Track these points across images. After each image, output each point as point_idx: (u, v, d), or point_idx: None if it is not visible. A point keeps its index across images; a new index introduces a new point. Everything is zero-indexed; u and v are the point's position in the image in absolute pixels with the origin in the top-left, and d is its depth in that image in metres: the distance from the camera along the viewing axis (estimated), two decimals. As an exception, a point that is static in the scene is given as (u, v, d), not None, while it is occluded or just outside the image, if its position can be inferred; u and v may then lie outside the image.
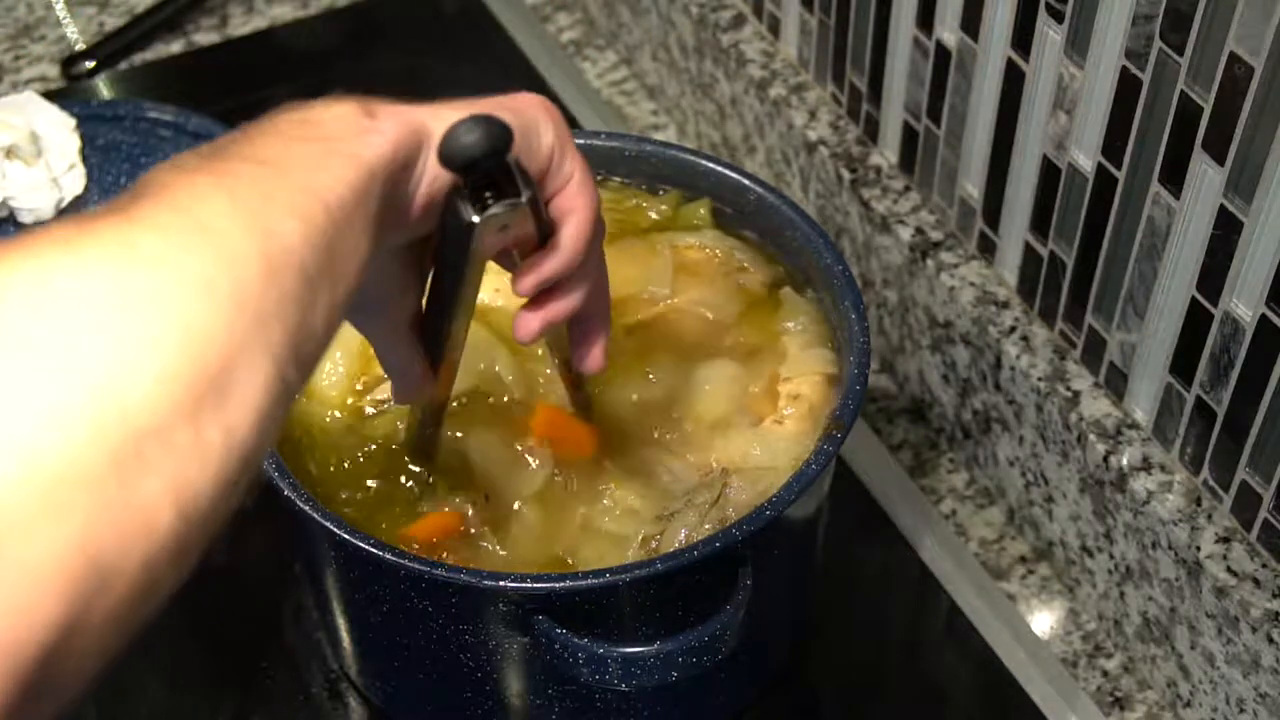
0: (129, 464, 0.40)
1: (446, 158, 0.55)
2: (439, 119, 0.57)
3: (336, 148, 0.52)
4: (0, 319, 0.40)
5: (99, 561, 0.39)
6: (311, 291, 0.47)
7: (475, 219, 0.57)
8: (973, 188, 0.93)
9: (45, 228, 0.44)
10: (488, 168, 0.56)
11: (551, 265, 0.62)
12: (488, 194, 0.57)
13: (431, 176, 0.57)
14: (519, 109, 0.60)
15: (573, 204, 0.62)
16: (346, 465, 0.79)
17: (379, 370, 0.75)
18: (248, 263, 0.45)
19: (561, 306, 0.64)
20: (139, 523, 0.40)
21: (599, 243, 0.64)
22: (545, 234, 0.61)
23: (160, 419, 0.41)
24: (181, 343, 0.42)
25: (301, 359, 0.47)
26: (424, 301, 0.66)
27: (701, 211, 0.88)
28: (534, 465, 0.78)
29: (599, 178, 0.89)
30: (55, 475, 0.39)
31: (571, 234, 0.62)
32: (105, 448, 0.40)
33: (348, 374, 0.81)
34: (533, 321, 0.64)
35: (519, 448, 0.78)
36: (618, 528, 0.76)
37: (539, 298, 0.64)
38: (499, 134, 0.55)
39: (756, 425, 0.80)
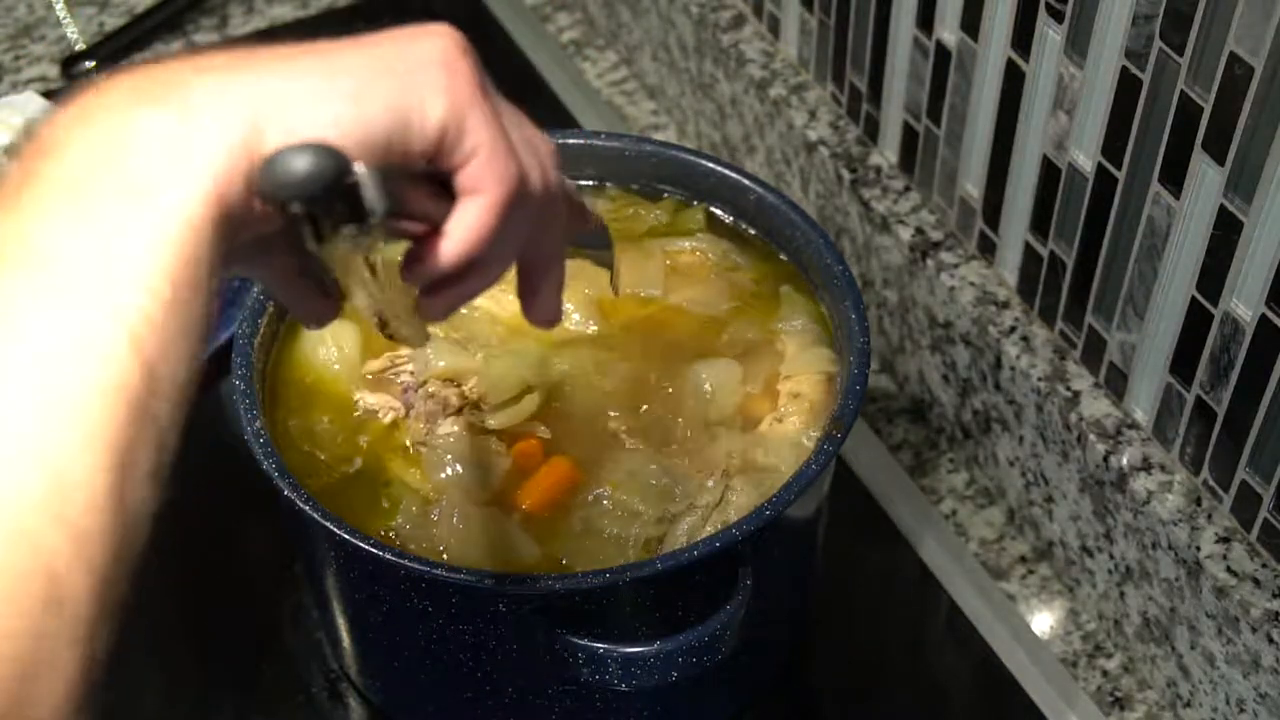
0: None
1: (265, 195, 0.45)
2: (280, 107, 0.45)
3: (144, 218, 0.41)
4: None
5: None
6: (152, 404, 0.41)
7: (314, 248, 0.47)
8: (973, 188, 0.93)
9: None
10: (322, 201, 0.45)
11: (440, 259, 0.51)
12: (336, 209, 0.46)
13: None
14: (404, 73, 0.48)
15: (475, 184, 0.50)
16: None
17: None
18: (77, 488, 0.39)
19: (467, 290, 0.54)
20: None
21: (522, 214, 0.52)
22: (440, 218, 0.51)
23: None
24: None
25: (166, 444, 0.42)
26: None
27: (698, 217, 0.88)
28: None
29: (594, 184, 0.89)
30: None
31: (466, 222, 0.50)
32: None
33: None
34: (433, 307, 0.55)
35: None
36: (619, 530, 0.76)
37: (441, 280, 0.53)
38: (328, 169, 0.44)
39: (756, 425, 0.80)
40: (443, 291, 0.53)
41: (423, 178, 0.50)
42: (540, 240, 0.56)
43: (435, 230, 0.51)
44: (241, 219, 0.44)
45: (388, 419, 0.80)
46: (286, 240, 0.49)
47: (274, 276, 0.56)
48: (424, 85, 0.48)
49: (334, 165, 0.45)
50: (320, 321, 0.59)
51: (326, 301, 0.57)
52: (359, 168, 0.46)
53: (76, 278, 0.40)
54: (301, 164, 0.44)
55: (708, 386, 0.81)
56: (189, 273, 0.42)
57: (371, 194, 0.46)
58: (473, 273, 0.52)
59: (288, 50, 0.47)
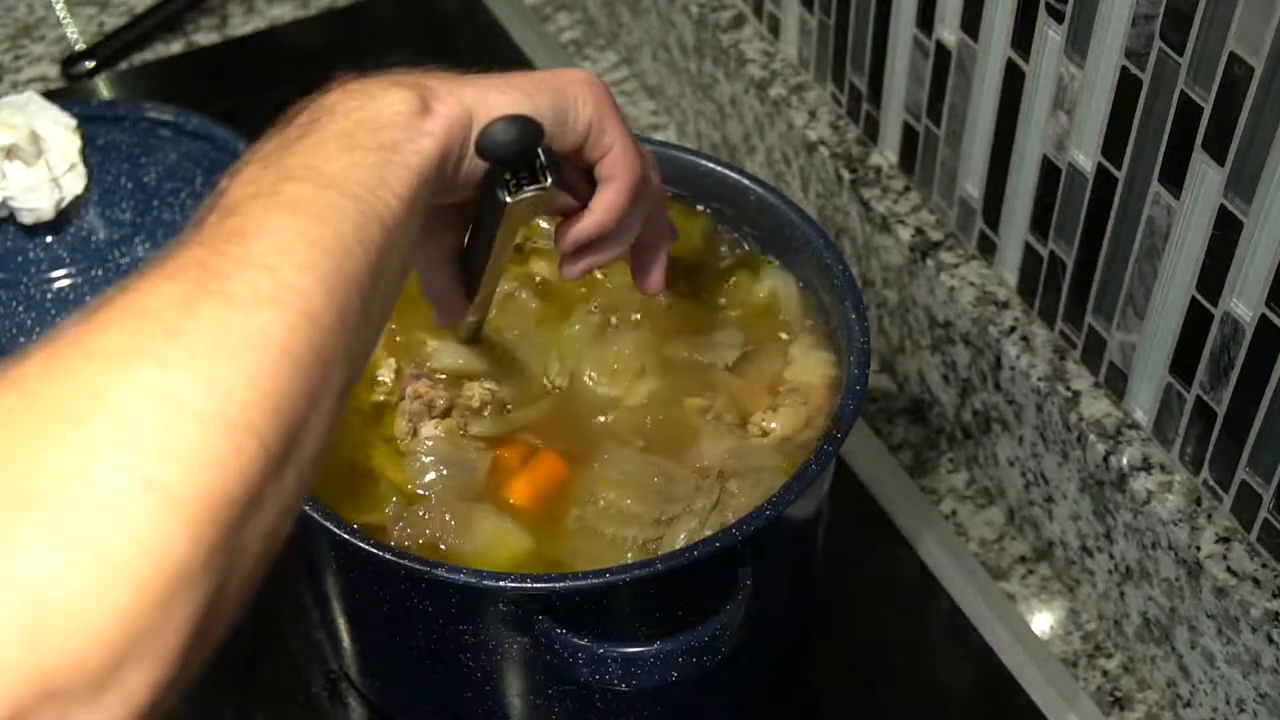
0: (239, 521, 0.45)
1: (481, 152, 0.61)
2: (485, 104, 0.61)
3: (391, 159, 0.56)
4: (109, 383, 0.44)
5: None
6: (367, 309, 0.52)
7: (507, 200, 0.63)
8: (973, 188, 0.93)
9: (143, 279, 0.48)
10: (518, 161, 0.63)
11: (584, 228, 0.69)
12: (522, 175, 0.64)
13: (472, 158, 0.62)
14: (559, 87, 0.65)
15: (612, 171, 0.67)
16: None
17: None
18: (324, 323, 0.49)
19: (601, 258, 0.71)
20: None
21: (643, 200, 0.70)
22: (585, 198, 0.68)
23: (257, 477, 0.46)
24: (269, 409, 0.46)
25: (357, 364, 0.53)
26: (465, 239, 0.72)
27: (701, 226, 0.89)
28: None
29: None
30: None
31: (606, 201, 0.68)
32: (210, 514, 0.44)
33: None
34: (573, 269, 0.72)
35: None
36: (616, 531, 0.76)
37: (581, 248, 0.71)
38: (529, 133, 0.61)
39: (755, 428, 0.80)
40: (583, 257, 0.71)
41: (574, 167, 0.68)
42: (652, 223, 0.73)
43: (581, 208, 0.68)
44: (450, 178, 0.61)
45: (379, 398, 0.81)
46: (462, 217, 0.69)
47: (429, 264, 0.72)
48: (576, 95, 0.66)
49: (533, 134, 0.62)
50: (450, 314, 0.76)
51: (461, 296, 0.74)
52: (544, 143, 0.63)
53: (347, 184, 0.54)
54: (510, 129, 0.61)
55: (707, 390, 0.81)
56: (418, 196, 0.57)
57: (550, 162, 0.63)
58: (606, 243, 0.70)
59: (480, 77, 0.64)
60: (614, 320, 0.84)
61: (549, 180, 0.64)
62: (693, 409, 0.81)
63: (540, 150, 0.63)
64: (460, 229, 0.71)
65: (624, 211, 0.69)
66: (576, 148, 0.67)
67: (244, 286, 0.47)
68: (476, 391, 0.80)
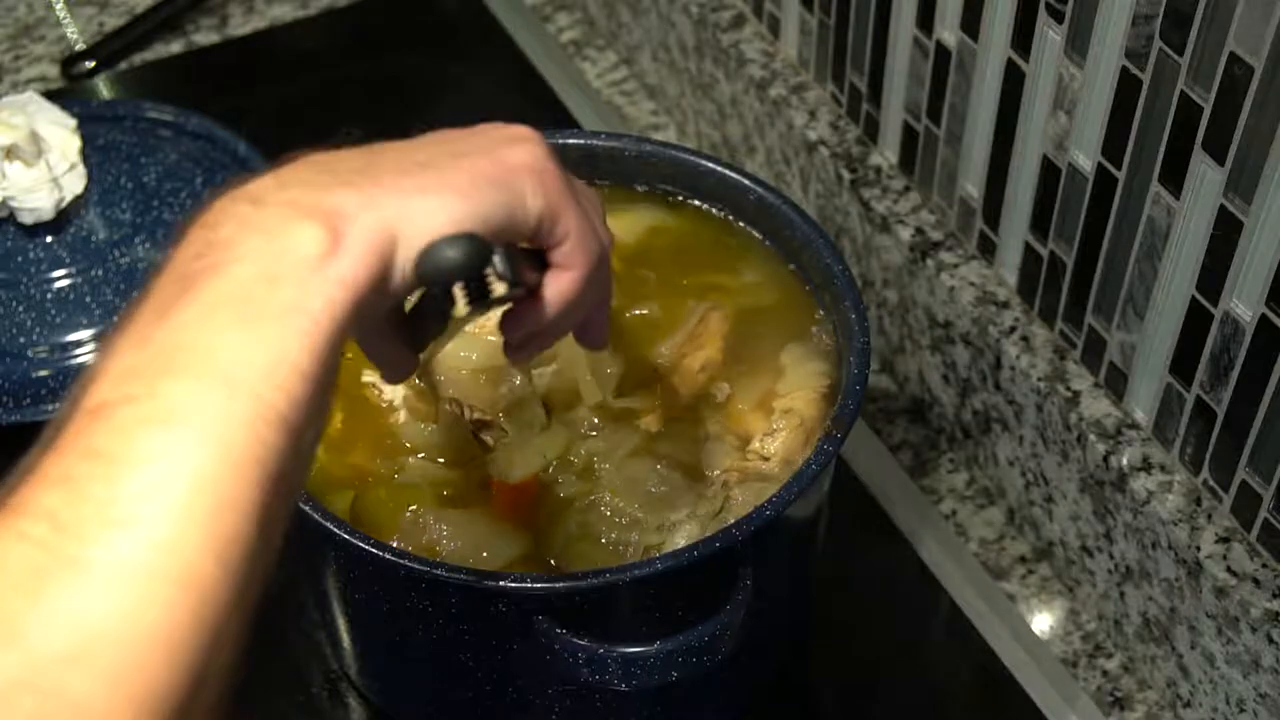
0: None
1: (423, 280, 0.53)
2: (411, 219, 0.52)
3: (296, 326, 0.47)
4: None
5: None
6: (266, 533, 0.45)
7: (452, 315, 0.57)
8: (973, 188, 0.93)
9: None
10: (470, 278, 0.56)
11: (536, 320, 0.61)
12: (470, 284, 0.57)
13: (403, 281, 0.52)
14: (503, 179, 0.55)
15: (567, 262, 0.59)
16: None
17: None
18: (208, 582, 0.42)
19: (550, 340, 0.65)
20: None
21: (594, 288, 0.62)
22: (534, 284, 0.61)
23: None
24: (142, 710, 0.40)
25: (256, 591, 0.46)
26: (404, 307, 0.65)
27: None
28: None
29: (595, 184, 0.89)
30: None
31: (559, 291, 0.60)
32: None
33: None
34: (520, 354, 0.65)
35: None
36: (617, 535, 0.76)
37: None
38: (476, 255, 0.54)
39: (754, 455, 0.79)
40: (530, 343, 0.63)
41: (521, 254, 0.59)
42: (597, 309, 0.65)
43: (530, 293, 0.60)
44: (373, 305, 0.51)
45: (385, 403, 0.81)
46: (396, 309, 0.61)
47: (366, 332, 0.63)
48: (522, 188, 0.56)
49: (480, 252, 0.54)
50: (401, 375, 0.66)
51: (408, 355, 0.65)
52: (496, 251, 0.55)
53: (239, 376, 0.45)
54: (455, 254, 0.53)
55: (706, 395, 0.81)
56: (328, 360, 0.48)
57: (503, 270, 0.56)
58: (556, 327, 0.62)
59: (405, 162, 0.54)
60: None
61: (503, 290, 0.56)
62: (693, 418, 0.81)
63: (495, 255, 0.56)
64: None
65: (579, 301, 0.61)
66: (526, 240, 0.58)
67: (104, 555, 0.40)
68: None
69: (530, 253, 0.60)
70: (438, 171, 0.53)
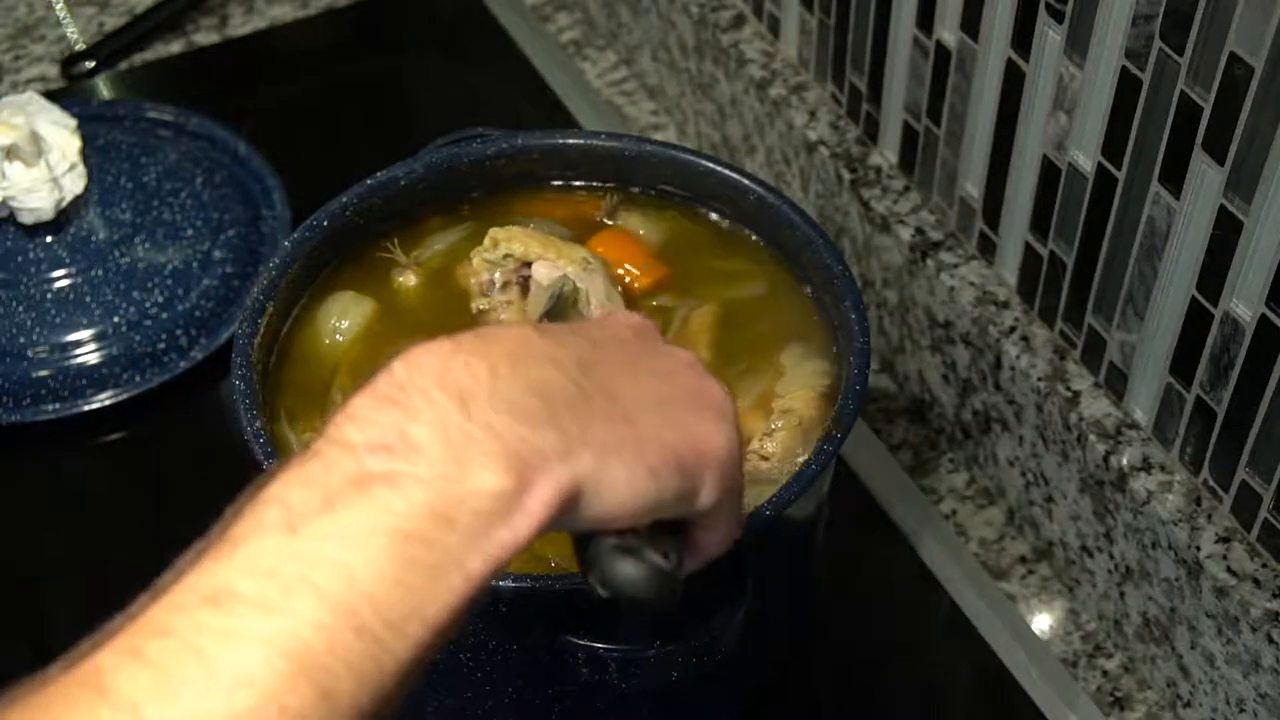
0: None
1: (603, 585, 0.51)
2: (598, 482, 0.49)
3: (450, 569, 0.45)
4: None
5: None
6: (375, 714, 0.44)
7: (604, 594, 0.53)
8: (973, 188, 0.93)
9: None
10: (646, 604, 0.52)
11: (687, 566, 0.57)
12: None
13: (560, 530, 0.49)
14: (692, 467, 0.52)
15: (701, 545, 0.57)
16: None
17: None
18: None
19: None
20: None
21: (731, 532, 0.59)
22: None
23: None
24: None
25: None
26: None
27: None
28: None
29: (594, 185, 0.89)
30: None
31: (703, 550, 0.57)
32: None
33: None
34: None
35: None
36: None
37: None
38: (663, 589, 0.51)
39: (754, 455, 0.79)
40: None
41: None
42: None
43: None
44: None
45: None
46: None
47: None
48: (704, 479, 0.53)
49: (670, 588, 0.51)
50: None
51: None
52: (674, 570, 0.52)
53: (377, 622, 0.43)
54: (647, 587, 0.51)
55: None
56: (468, 607, 0.46)
57: (677, 584, 0.53)
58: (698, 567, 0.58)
59: (614, 408, 0.51)
60: None
61: (676, 597, 0.53)
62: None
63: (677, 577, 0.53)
64: None
65: (719, 547, 0.58)
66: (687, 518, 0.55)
67: None
68: None
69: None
70: (639, 436, 0.51)
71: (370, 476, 0.45)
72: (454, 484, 0.45)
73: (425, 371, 0.47)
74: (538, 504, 0.46)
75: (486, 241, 0.84)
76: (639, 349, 0.56)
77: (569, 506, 0.48)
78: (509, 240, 0.83)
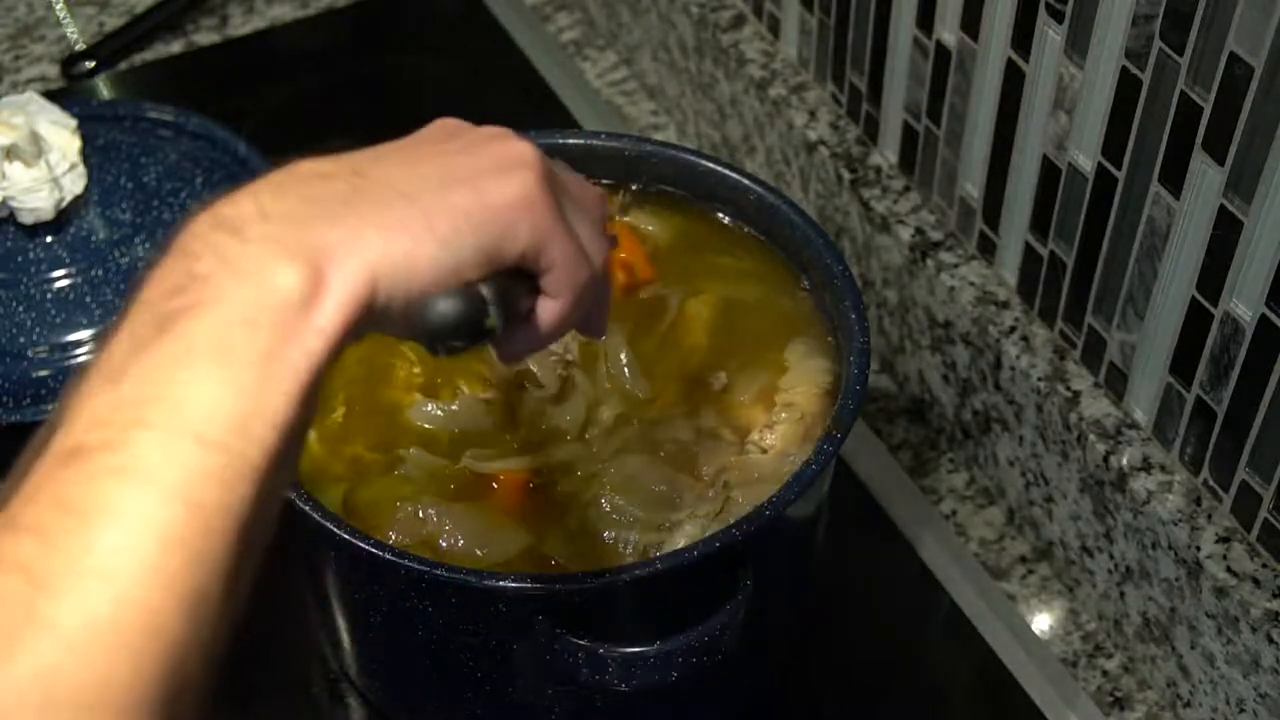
0: None
1: (419, 335, 0.53)
2: (394, 264, 0.50)
3: (272, 374, 0.46)
4: None
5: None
6: (232, 588, 0.45)
7: (439, 352, 0.55)
8: (973, 188, 0.93)
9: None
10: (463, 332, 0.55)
11: (529, 343, 0.60)
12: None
13: (386, 325, 0.52)
14: (491, 221, 0.54)
15: (553, 289, 0.58)
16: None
17: None
18: (176, 636, 0.44)
19: (542, 347, 0.63)
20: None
21: (584, 303, 0.60)
22: (527, 312, 0.60)
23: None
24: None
25: (220, 644, 0.47)
26: None
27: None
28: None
29: (595, 184, 0.89)
30: None
31: (550, 317, 0.59)
32: None
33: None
34: (512, 361, 0.65)
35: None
36: (617, 534, 0.76)
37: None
38: (472, 310, 0.53)
39: (754, 446, 0.79)
40: (523, 354, 0.62)
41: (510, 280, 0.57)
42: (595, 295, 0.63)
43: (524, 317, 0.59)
44: (347, 343, 0.50)
45: None
46: None
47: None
48: (508, 226, 0.54)
49: (477, 308, 0.53)
50: None
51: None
52: (490, 300, 0.54)
53: (212, 429, 0.45)
54: (452, 309, 0.53)
55: (707, 397, 0.81)
56: (307, 402, 0.48)
57: (495, 316, 0.55)
58: (550, 340, 0.61)
59: (391, 190, 0.52)
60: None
61: (497, 331, 0.56)
62: (692, 419, 0.81)
63: (490, 306, 0.55)
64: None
65: (568, 322, 0.60)
66: (513, 269, 0.57)
67: (76, 611, 0.41)
68: None
69: (521, 276, 0.58)
70: (423, 209, 0.52)
71: (170, 315, 0.47)
72: (249, 295, 0.47)
73: (199, 224, 0.49)
74: (339, 287, 0.48)
75: None
76: (440, 141, 0.57)
77: (369, 295, 0.49)
78: None
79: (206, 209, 0.50)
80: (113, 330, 0.47)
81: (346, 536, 0.70)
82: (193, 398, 0.45)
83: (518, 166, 0.56)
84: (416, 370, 0.82)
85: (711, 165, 0.88)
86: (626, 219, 0.89)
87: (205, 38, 1.29)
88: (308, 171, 0.52)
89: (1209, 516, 0.82)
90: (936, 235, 0.97)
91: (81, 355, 1.02)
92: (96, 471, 0.43)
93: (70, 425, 0.45)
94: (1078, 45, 0.79)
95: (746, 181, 0.87)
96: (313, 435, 0.79)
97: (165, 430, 0.44)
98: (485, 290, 0.54)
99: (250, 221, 0.49)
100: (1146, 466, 0.84)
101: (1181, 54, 0.73)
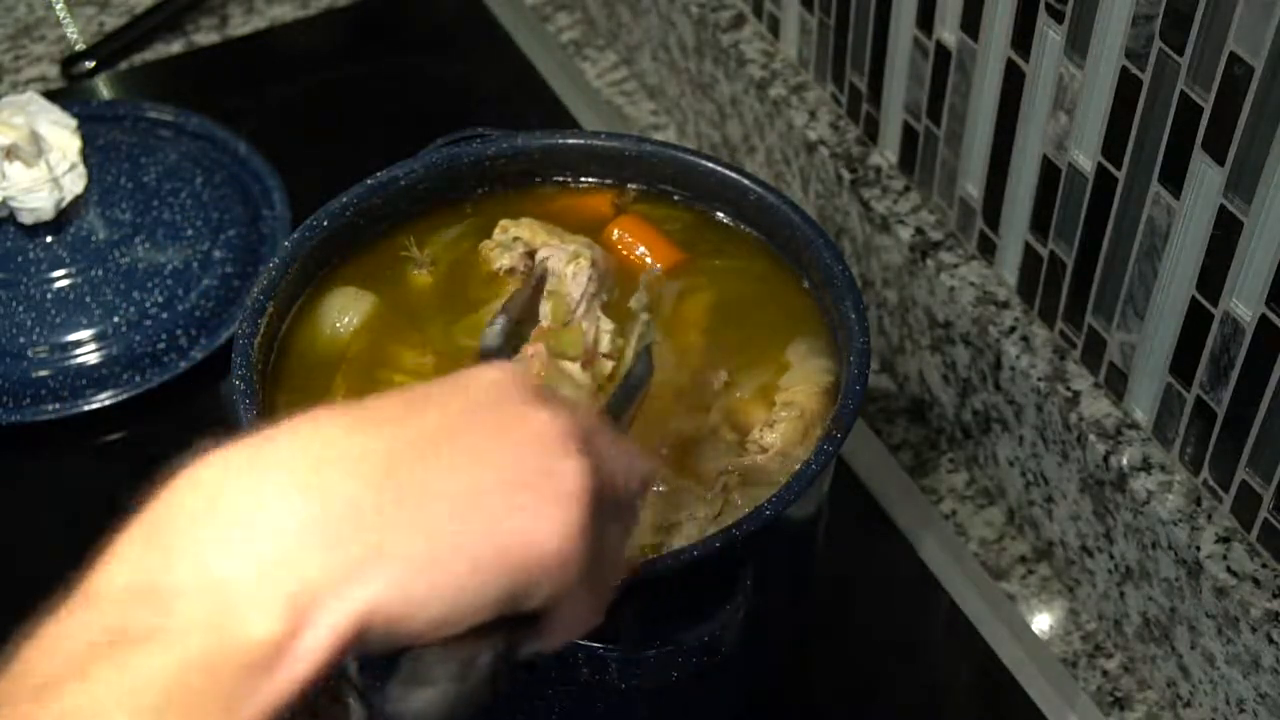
0: None
1: (385, 714, 0.47)
2: (390, 611, 0.44)
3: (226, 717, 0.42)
4: None
5: None
6: None
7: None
8: (973, 188, 0.93)
9: None
10: None
11: (540, 650, 0.52)
12: None
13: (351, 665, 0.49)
14: (521, 571, 0.47)
15: (548, 639, 0.52)
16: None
17: None
18: None
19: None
20: None
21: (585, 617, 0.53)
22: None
23: None
24: None
25: None
26: None
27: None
28: None
29: (595, 184, 0.89)
30: None
31: (555, 630, 0.52)
32: None
33: None
34: None
35: None
36: None
37: None
38: (454, 708, 0.47)
39: (754, 445, 0.79)
40: None
41: None
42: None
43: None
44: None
45: None
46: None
47: None
48: (532, 583, 0.47)
49: (466, 704, 0.47)
50: None
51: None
52: (480, 682, 0.47)
53: None
54: (425, 707, 0.46)
55: (707, 398, 0.81)
56: None
57: (485, 694, 0.48)
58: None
59: (427, 494, 0.46)
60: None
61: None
62: (692, 419, 0.81)
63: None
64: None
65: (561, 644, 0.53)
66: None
67: None
68: None
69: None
70: (446, 546, 0.46)
71: (125, 636, 0.42)
72: (217, 636, 0.42)
73: (199, 494, 0.44)
74: (316, 644, 0.43)
75: (497, 231, 0.86)
76: (488, 415, 0.49)
77: (364, 634, 0.44)
78: (517, 228, 0.86)
79: (219, 463, 0.45)
80: (67, 604, 0.43)
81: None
82: None
83: (560, 504, 0.48)
84: (425, 360, 0.82)
85: (711, 165, 0.88)
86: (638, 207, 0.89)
87: (205, 38, 1.29)
88: (344, 453, 0.46)
89: (1209, 516, 0.82)
90: (936, 235, 0.97)
91: (81, 355, 1.02)
92: None
93: (34, 658, 0.41)
94: (1078, 45, 0.79)
95: (746, 181, 0.87)
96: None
97: None
98: (483, 660, 0.48)
99: (255, 529, 0.44)
100: (1146, 466, 0.84)
101: (1181, 54, 0.73)
